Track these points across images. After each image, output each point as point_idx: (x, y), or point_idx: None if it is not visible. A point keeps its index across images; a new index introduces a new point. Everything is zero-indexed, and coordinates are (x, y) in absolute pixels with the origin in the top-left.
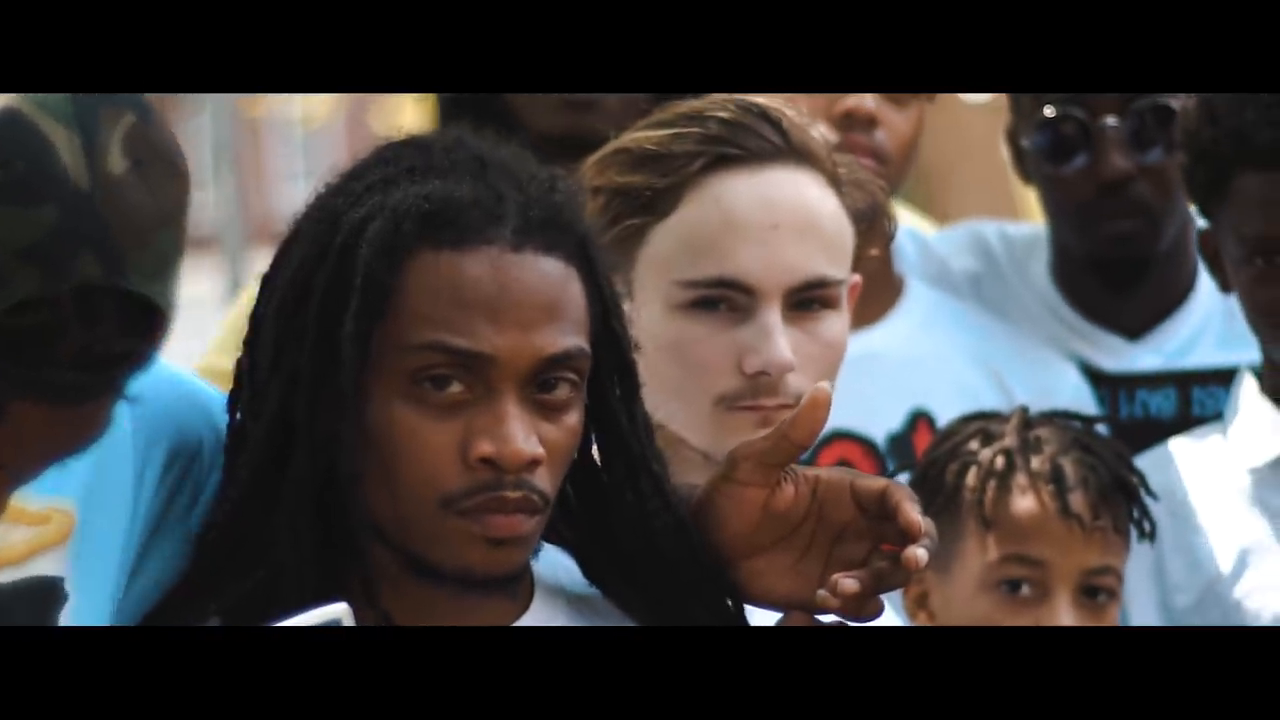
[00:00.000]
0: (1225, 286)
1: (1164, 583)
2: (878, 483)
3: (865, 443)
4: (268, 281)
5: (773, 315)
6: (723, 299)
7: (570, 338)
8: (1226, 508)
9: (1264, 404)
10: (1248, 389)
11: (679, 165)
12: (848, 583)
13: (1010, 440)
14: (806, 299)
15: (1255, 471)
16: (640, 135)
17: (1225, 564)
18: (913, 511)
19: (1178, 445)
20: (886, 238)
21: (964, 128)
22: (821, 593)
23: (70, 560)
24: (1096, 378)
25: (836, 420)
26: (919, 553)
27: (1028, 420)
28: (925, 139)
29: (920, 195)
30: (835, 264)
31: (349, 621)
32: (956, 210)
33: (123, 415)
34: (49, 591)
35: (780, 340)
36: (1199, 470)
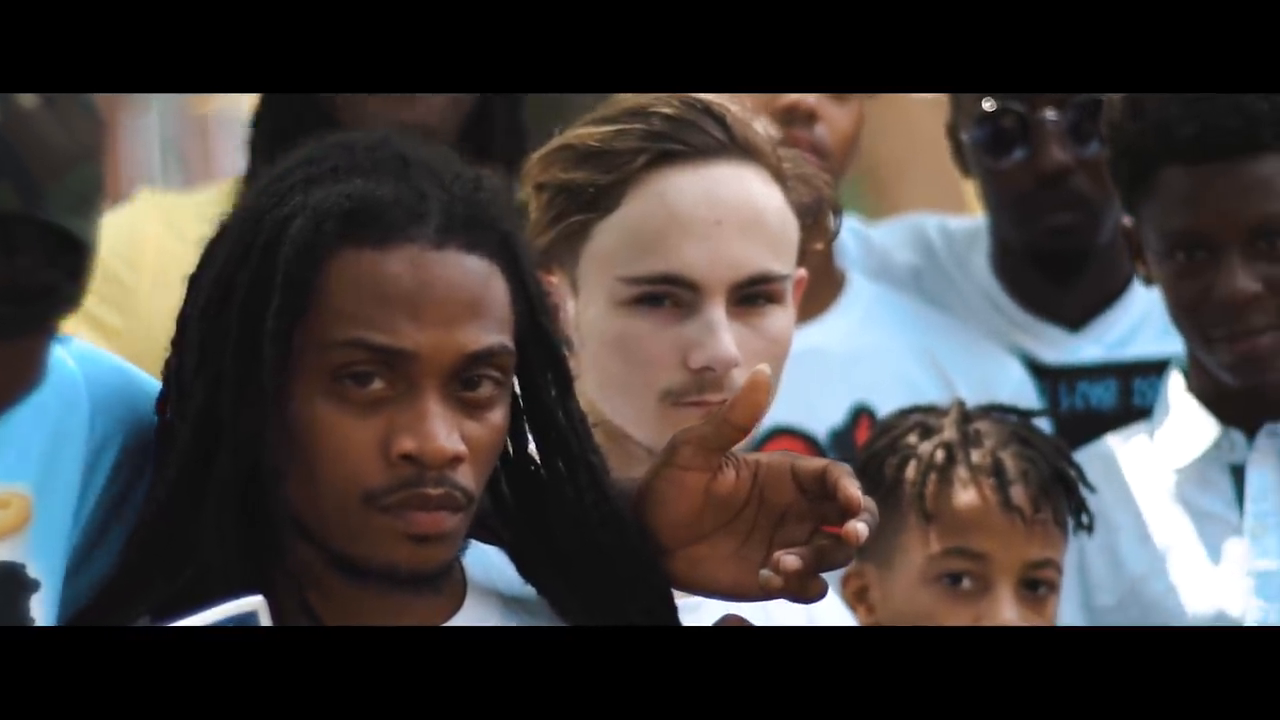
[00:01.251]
0: (1148, 279)
1: (1086, 581)
2: (817, 463)
3: (807, 438)
4: (194, 281)
5: (717, 311)
6: (667, 295)
7: (493, 335)
8: (1150, 506)
9: (1190, 401)
10: (1175, 386)
11: (623, 162)
12: (790, 559)
13: (950, 434)
14: (751, 294)
15: (1180, 470)
16: (584, 131)
17: (1146, 563)
18: (851, 486)
19: (1105, 443)
20: (831, 232)
21: (913, 122)
22: (764, 573)
23: (31, 546)
24: (1038, 370)
25: (778, 415)
26: (859, 526)
27: (966, 414)
28: (875, 134)
29: (870, 189)
30: (780, 259)
31: (264, 613)
32: (906, 204)
33: (81, 400)
34: (11, 577)
35: (725, 336)
36: (1125, 469)
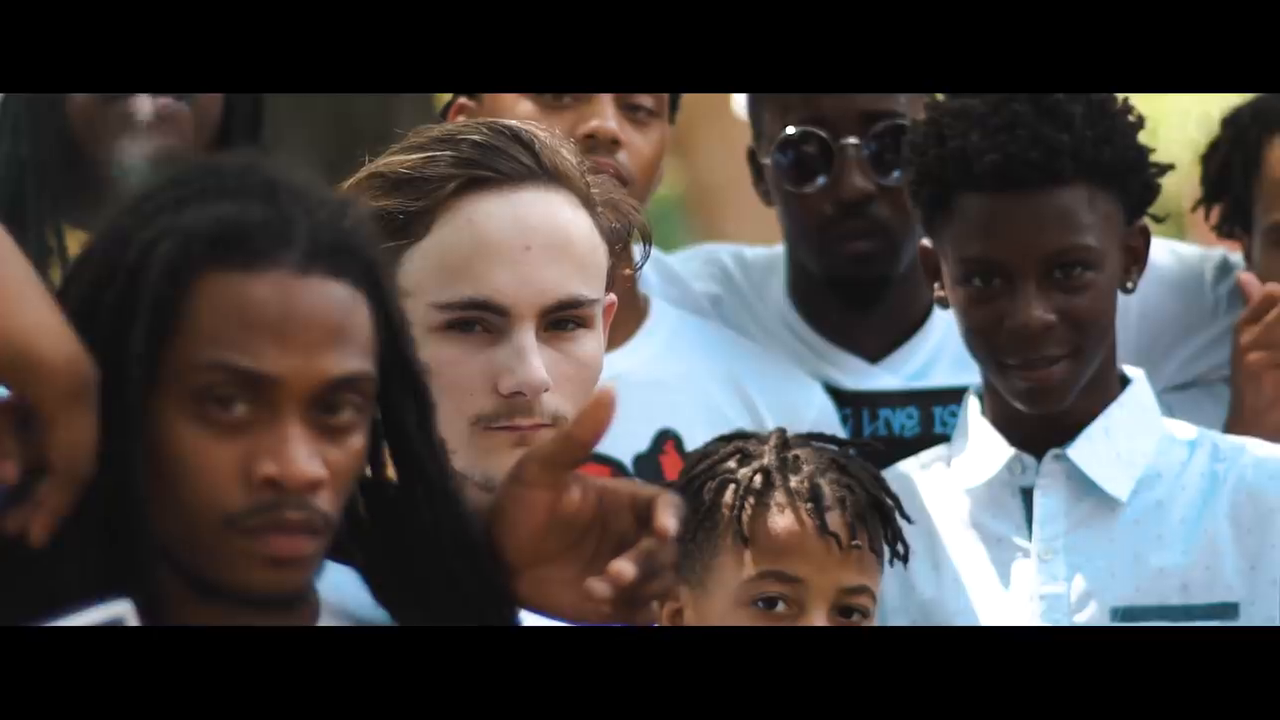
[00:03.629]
0: (943, 302)
1: (882, 605)
2: (651, 491)
3: (612, 464)
4: (60, 301)
5: (527, 336)
6: (477, 320)
7: (355, 361)
8: (943, 530)
9: (983, 425)
10: (971, 411)
11: (432, 188)
12: (623, 565)
13: (768, 459)
14: (561, 319)
15: (972, 493)
16: (394, 159)
17: (937, 586)
18: (667, 517)
19: (901, 467)
20: (640, 258)
21: (739, 143)
22: (590, 580)
23: None
24: (839, 396)
25: None
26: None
27: (785, 440)
28: (704, 158)
29: (700, 213)
30: (589, 284)
31: (131, 619)
32: (735, 230)
33: None
34: None
35: (534, 360)
36: (919, 492)
